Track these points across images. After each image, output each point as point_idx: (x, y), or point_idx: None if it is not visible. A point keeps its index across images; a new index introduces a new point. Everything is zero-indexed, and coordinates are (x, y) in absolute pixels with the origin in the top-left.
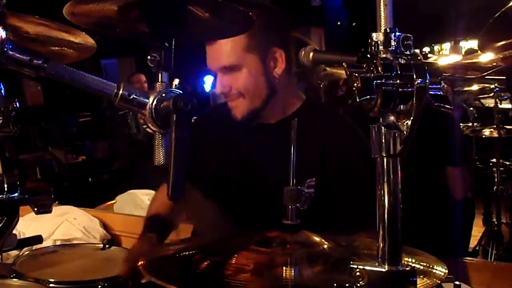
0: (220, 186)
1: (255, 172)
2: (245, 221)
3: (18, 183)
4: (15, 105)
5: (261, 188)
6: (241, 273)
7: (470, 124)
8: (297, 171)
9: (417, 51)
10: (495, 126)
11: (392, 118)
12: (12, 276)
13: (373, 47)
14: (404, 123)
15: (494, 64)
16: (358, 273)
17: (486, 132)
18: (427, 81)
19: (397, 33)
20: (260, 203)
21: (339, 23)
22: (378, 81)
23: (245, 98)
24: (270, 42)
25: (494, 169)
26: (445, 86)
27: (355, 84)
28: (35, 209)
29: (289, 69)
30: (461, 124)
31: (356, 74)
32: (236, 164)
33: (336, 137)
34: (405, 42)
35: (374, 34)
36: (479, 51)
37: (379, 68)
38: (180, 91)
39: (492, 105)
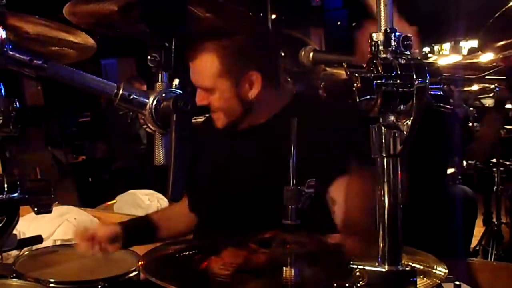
0: (217, 187)
1: (246, 173)
2: (243, 222)
3: (18, 183)
4: (15, 105)
5: (253, 188)
6: (241, 273)
7: (470, 124)
8: (283, 167)
9: (416, 51)
10: None
11: (392, 118)
12: (12, 276)
13: (373, 47)
14: (404, 123)
15: (494, 64)
16: (358, 273)
17: None
18: (427, 81)
19: (397, 33)
20: (254, 203)
21: (339, 23)
22: (378, 81)
23: (222, 113)
24: (245, 67)
25: (494, 169)
26: (450, 86)
27: (355, 84)
28: (35, 209)
29: (269, 84)
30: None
31: (356, 74)
32: (229, 166)
33: (319, 122)
34: (405, 42)
35: (374, 34)
36: (479, 51)
37: (379, 68)
38: (180, 91)
39: (492, 105)
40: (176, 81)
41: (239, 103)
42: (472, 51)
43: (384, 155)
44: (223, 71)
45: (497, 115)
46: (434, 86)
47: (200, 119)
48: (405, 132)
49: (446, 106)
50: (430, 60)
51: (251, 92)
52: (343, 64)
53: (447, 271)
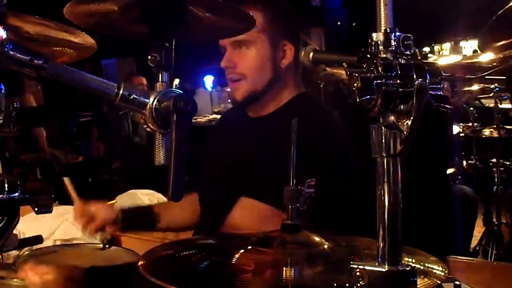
0: (221, 181)
1: (247, 165)
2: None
3: (18, 183)
4: (15, 105)
5: (251, 182)
6: (241, 273)
7: (470, 124)
8: (283, 162)
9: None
10: (495, 126)
11: (392, 118)
12: (12, 276)
13: (373, 47)
14: (404, 123)
15: (494, 64)
16: (358, 273)
17: (486, 132)
18: (427, 81)
19: (397, 33)
20: (251, 195)
21: (339, 23)
22: (378, 81)
23: (247, 80)
24: (283, 34)
25: (494, 169)
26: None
27: (355, 84)
28: (35, 209)
29: (295, 64)
30: (461, 124)
31: (356, 74)
32: (232, 158)
33: (315, 127)
34: (405, 42)
35: (374, 34)
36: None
37: (379, 68)
38: (181, 91)
39: (492, 105)
40: (176, 81)
41: (271, 68)
42: (476, 50)
43: (384, 155)
44: (265, 27)
45: None
46: (434, 86)
47: (201, 119)
48: (405, 132)
49: (446, 106)
50: (430, 60)
51: (283, 61)
52: (343, 64)
53: (447, 271)
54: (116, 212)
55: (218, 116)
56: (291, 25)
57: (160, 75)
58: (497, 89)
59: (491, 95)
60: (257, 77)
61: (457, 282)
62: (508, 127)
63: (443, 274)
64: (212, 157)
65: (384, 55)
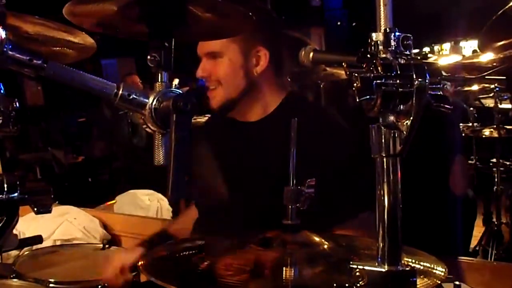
0: (217, 184)
1: (238, 170)
2: (238, 220)
3: (18, 183)
4: (15, 105)
5: (249, 185)
6: (241, 273)
7: (470, 124)
8: (281, 167)
9: (416, 51)
10: (495, 126)
11: (392, 118)
12: (12, 276)
13: (373, 47)
14: (404, 123)
15: (494, 64)
16: (358, 273)
17: (486, 132)
18: (427, 81)
19: (397, 33)
20: (251, 200)
21: (339, 23)
22: (378, 81)
23: (222, 86)
24: (256, 40)
25: (494, 169)
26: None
27: (355, 84)
28: (35, 209)
29: (275, 68)
30: (461, 124)
31: (356, 74)
32: (221, 164)
33: (313, 127)
34: (405, 42)
35: (374, 34)
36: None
37: (379, 68)
38: (180, 91)
39: (492, 105)
40: (176, 81)
41: (244, 76)
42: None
43: (384, 155)
44: (236, 37)
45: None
46: (434, 86)
47: (201, 119)
48: (404, 132)
49: (446, 106)
50: (430, 60)
51: (257, 68)
52: (343, 64)
53: (447, 271)
54: (141, 253)
55: None
56: (266, 29)
57: (159, 75)
58: (497, 89)
59: (491, 95)
60: (231, 85)
61: (457, 282)
62: (508, 127)
63: (443, 274)
64: (205, 158)
65: (384, 55)
